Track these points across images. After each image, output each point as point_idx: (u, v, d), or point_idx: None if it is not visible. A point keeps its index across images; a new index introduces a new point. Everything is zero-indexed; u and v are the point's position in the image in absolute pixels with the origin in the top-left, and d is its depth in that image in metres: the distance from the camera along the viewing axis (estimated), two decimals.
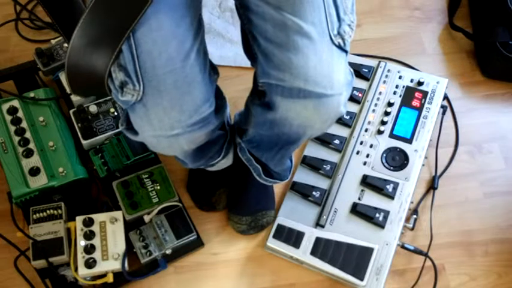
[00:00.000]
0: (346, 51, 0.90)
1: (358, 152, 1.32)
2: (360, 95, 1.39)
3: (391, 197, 1.26)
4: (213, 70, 0.96)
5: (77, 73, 0.86)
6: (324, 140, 1.34)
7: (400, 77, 1.41)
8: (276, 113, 0.92)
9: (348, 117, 1.36)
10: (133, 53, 0.84)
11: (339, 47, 0.88)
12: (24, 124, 1.30)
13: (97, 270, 1.16)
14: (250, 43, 0.93)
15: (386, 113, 1.36)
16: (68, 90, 1.34)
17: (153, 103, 0.86)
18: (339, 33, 0.88)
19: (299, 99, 0.87)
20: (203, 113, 0.90)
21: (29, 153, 1.26)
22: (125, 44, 0.84)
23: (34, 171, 1.24)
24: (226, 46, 1.54)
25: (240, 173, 1.27)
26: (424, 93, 1.38)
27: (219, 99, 0.98)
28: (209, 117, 0.92)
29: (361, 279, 1.17)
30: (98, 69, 0.85)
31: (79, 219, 1.21)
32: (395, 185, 1.27)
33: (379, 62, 1.44)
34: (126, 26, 0.82)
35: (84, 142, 1.31)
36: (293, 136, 0.99)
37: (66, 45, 1.37)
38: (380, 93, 1.39)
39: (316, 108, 0.88)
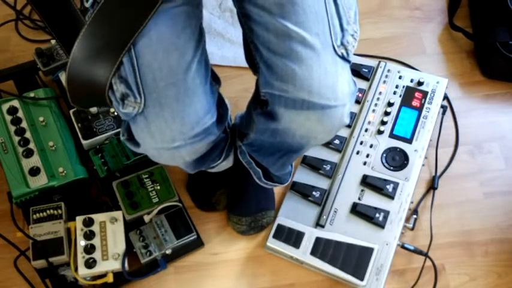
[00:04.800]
0: (349, 62, 0.90)
1: (358, 152, 1.32)
2: (360, 95, 1.39)
3: (391, 197, 1.26)
4: (214, 80, 0.96)
5: (78, 85, 0.86)
6: None
7: (400, 77, 1.41)
8: (278, 123, 0.91)
9: None
10: (134, 65, 0.84)
11: (342, 57, 0.88)
12: (24, 124, 1.30)
13: (97, 270, 1.16)
14: (252, 53, 0.92)
15: (387, 113, 1.36)
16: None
17: (154, 115, 0.85)
18: (342, 43, 0.88)
19: (303, 111, 0.87)
20: (205, 124, 0.89)
21: (29, 153, 1.26)
22: (125, 56, 0.83)
23: (34, 171, 1.24)
24: (226, 46, 1.54)
25: (240, 173, 1.27)
26: (424, 93, 1.38)
27: (221, 108, 0.97)
28: (211, 127, 0.91)
29: (361, 279, 1.17)
30: (98, 81, 0.85)
31: (79, 219, 1.21)
32: (395, 185, 1.27)
33: (379, 62, 1.44)
34: (127, 38, 0.82)
35: (84, 142, 1.31)
36: (295, 145, 0.98)
37: None
38: (380, 93, 1.39)
39: (319, 119, 0.88)
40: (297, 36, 0.84)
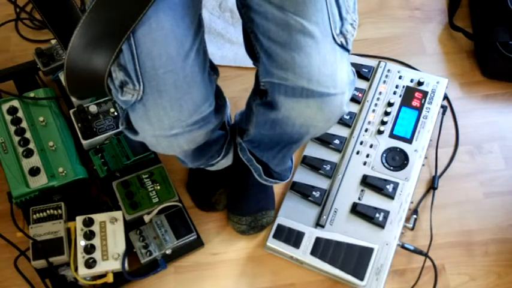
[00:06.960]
0: (348, 50, 0.90)
1: (358, 152, 1.32)
2: (360, 95, 1.39)
3: (391, 197, 1.26)
4: (212, 70, 0.97)
5: (76, 73, 0.86)
6: (324, 140, 1.34)
7: (400, 77, 1.41)
8: (278, 112, 0.92)
9: (348, 117, 1.36)
10: (134, 53, 0.84)
11: (342, 46, 0.89)
12: (24, 124, 1.30)
13: (97, 270, 1.16)
14: (252, 42, 0.93)
15: (387, 113, 1.36)
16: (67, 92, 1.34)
17: (152, 103, 0.86)
18: (341, 32, 0.88)
19: (302, 99, 0.88)
20: (203, 112, 0.90)
21: (29, 153, 1.26)
22: (125, 44, 0.84)
23: (34, 171, 1.24)
24: (226, 46, 1.54)
25: (240, 173, 1.27)
26: (424, 93, 1.38)
27: (219, 99, 0.98)
28: (209, 116, 0.92)
29: (361, 279, 1.17)
30: (98, 68, 0.85)
31: (79, 219, 1.21)
32: (395, 185, 1.27)
33: (379, 62, 1.44)
34: (127, 26, 0.83)
35: (84, 142, 1.31)
36: (295, 135, 0.99)
37: None
38: (380, 93, 1.39)
39: (319, 107, 0.89)
40: (297, 24, 0.85)
